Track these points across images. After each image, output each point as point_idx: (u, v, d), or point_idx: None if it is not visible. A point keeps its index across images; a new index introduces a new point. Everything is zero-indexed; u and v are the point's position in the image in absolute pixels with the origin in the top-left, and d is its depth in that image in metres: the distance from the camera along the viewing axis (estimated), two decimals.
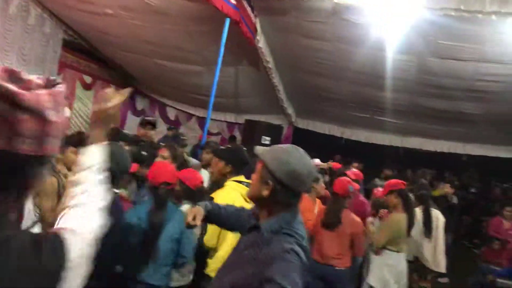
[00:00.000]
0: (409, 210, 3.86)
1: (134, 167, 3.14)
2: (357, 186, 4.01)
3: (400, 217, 3.82)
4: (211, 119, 10.38)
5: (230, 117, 10.24)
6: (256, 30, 6.14)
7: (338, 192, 3.68)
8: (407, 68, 6.16)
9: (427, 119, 7.96)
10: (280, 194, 1.48)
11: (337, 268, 3.63)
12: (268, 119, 9.52)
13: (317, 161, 6.79)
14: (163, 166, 2.83)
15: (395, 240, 3.83)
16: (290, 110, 9.40)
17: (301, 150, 1.55)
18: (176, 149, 3.61)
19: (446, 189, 6.20)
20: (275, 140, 7.72)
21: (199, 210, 1.79)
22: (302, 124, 10.04)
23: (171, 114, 10.73)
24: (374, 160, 10.09)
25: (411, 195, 4.29)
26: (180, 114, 10.70)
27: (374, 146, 9.66)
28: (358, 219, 3.72)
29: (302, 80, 7.91)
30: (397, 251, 3.87)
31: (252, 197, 1.59)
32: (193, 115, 10.50)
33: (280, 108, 9.18)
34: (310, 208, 3.98)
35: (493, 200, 9.74)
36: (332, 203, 3.74)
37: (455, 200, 6.30)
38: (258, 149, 1.61)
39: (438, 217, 4.61)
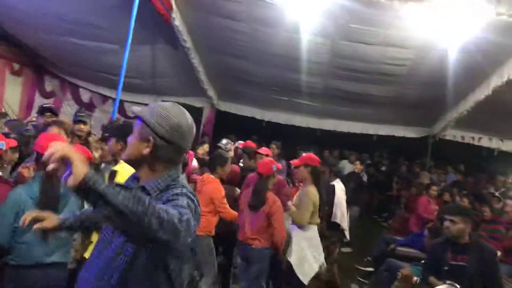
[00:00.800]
0: (318, 186, 4.02)
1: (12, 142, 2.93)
2: (279, 166, 4.07)
3: (313, 189, 3.96)
4: (129, 102, 10.06)
5: (149, 100, 9.85)
6: (171, 7, 5.94)
7: (262, 172, 3.72)
8: (321, 51, 6.37)
9: (340, 101, 8.36)
10: (163, 150, 1.45)
11: (253, 247, 3.67)
12: (190, 102, 9.35)
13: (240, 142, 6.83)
14: (51, 134, 2.64)
15: (313, 213, 3.96)
16: (211, 93, 9.30)
17: (180, 106, 1.54)
18: (65, 124, 3.37)
19: (356, 166, 6.57)
20: (195, 123, 7.65)
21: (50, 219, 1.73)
22: (224, 106, 10.00)
23: (85, 96, 10.08)
24: (294, 141, 10.43)
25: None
26: (94, 96, 10.09)
27: (294, 128, 9.96)
28: (276, 199, 3.75)
29: (222, 62, 7.84)
30: (314, 223, 4.02)
31: (131, 159, 1.50)
32: (109, 97, 9.96)
33: (201, 90, 9.04)
34: (220, 189, 3.98)
35: (400, 177, 10.59)
36: (258, 184, 3.75)
37: (365, 177, 6.71)
38: (135, 108, 1.54)
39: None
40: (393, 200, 9.53)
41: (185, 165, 4.86)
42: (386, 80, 6.99)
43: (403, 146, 11.05)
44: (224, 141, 6.03)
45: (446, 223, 2.85)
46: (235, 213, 3.96)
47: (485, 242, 2.98)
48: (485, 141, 9.07)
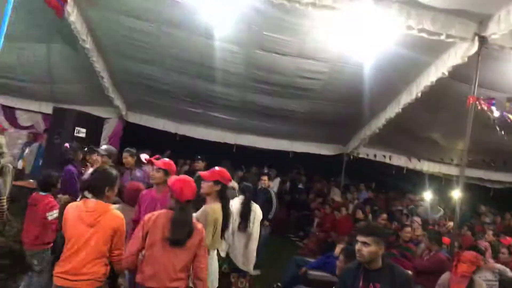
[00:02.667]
0: (224, 202, 3.50)
1: None
2: None
3: (217, 206, 3.41)
4: (22, 110, 8.87)
5: (46, 108, 8.76)
6: (66, 0, 5.18)
7: (190, 199, 2.82)
8: (236, 60, 6.00)
9: (257, 116, 8.08)
10: None
11: None
12: (95, 112, 8.46)
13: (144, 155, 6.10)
14: None
15: (215, 235, 3.38)
16: (118, 102, 8.47)
17: None
18: None
19: (264, 181, 6.23)
20: (94, 133, 6.76)
21: None
22: (134, 118, 9.24)
23: None
24: (210, 157, 9.95)
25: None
26: None
27: (210, 143, 9.48)
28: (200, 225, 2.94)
29: (130, 68, 7.13)
30: (212, 249, 3.46)
31: None
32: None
33: (107, 99, 8.18)
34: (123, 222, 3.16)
35: (316, 194, 10.55)
36: (180, 213, 2.76)
37: (273, 193, 6.34)
38: None
39: (256, 211, 4.45)
40: (310, 218, 9.38)
41: (53, 186, 4.08)
42: (301, 95, 6.82)
43: (320, 164, 11.10)
44: (104, 146, 5.29)
45: (358, 246, 2.51)
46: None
47: (398, 265, 2.67)
48: (395, 160, 9.36)
